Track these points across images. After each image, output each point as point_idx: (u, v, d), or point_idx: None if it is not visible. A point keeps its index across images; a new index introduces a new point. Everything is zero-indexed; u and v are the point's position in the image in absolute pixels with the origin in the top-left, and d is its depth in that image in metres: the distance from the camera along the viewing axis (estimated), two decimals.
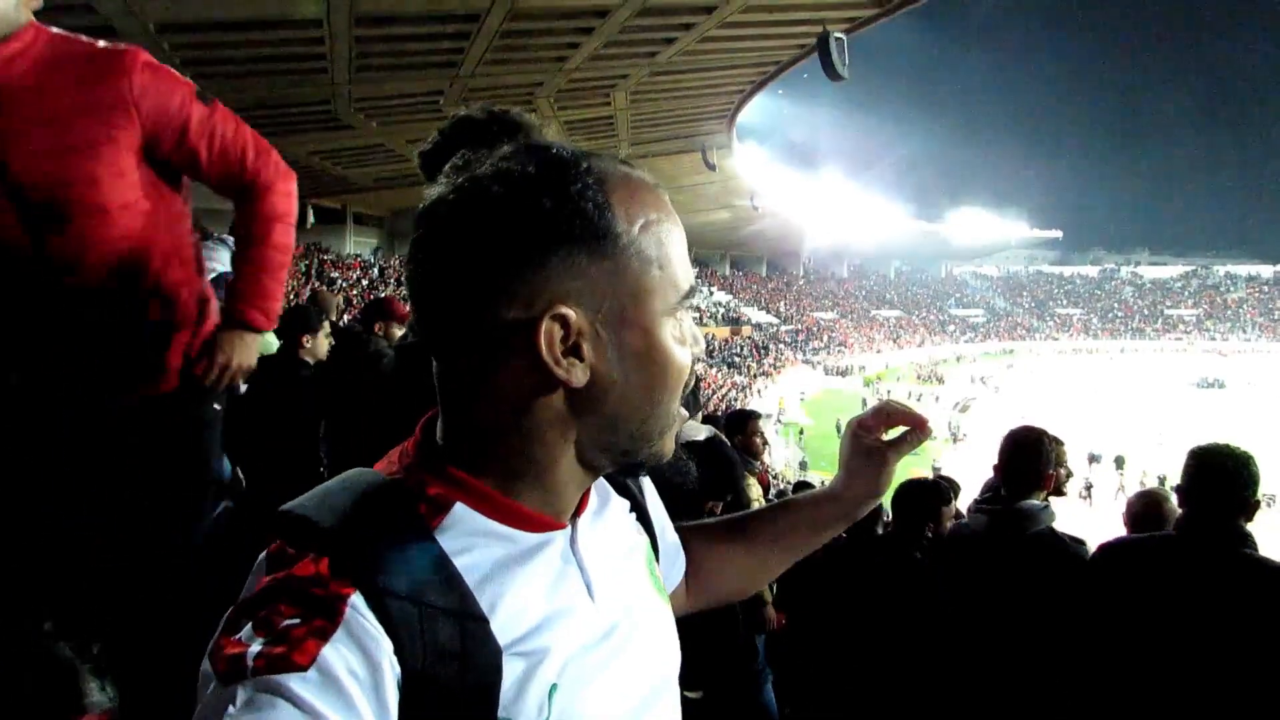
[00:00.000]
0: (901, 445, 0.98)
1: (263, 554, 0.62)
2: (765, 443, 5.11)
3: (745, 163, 34.94)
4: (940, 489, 3.46)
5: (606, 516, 0.80)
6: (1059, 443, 2.67)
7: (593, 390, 0.65)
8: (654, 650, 0.77)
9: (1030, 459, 2.59)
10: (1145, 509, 2.99)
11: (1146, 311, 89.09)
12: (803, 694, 3.71)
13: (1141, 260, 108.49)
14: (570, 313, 0.62)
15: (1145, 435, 35.84)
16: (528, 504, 0.68)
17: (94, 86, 1.57)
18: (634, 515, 0.87)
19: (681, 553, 1.00)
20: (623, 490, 0.87)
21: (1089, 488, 28.03)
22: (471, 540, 0.65)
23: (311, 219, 32.96)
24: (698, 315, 50.56)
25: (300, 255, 30.21)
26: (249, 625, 0.55)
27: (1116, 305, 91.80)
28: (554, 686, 0.63)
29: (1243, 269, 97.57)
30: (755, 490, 4.55)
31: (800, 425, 37.82)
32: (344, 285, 28.79)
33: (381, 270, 34.04)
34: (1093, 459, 31.68)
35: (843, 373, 53.50)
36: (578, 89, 19.83)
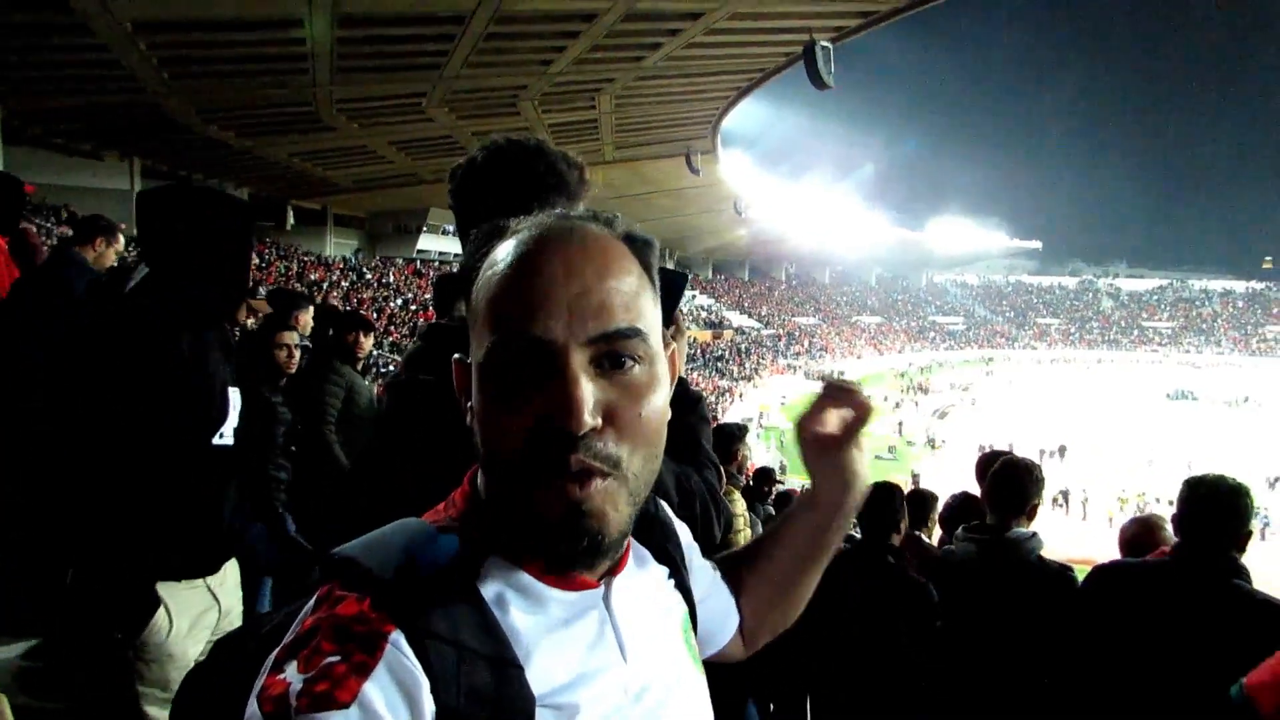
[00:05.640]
0: (848, 433, 0.90)
1: (311, 598, 0.63)
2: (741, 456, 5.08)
3: (729, 168, 35.10)
4: (895, 492, 3.27)
5: (643, 579, 0.79)
6: (1037, 467, 2.72)
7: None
8: (686, 717, 0.76)
9: (1018, 489, 2.62)
10: (1138, 534, 3.01)
11: (1123, 323, 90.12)
12: (781, 707, 3.69)
13: (1119, 272, 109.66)
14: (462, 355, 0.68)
15: (1134, 455, 36.20)
16: None
17: None
18: (673, 583, 0.84)
19: (734, 611, 0.98)
20: (662, 557, 0.85)
21: (1064, 493, 28.44)
22: (509, 592, 0.65)
23: (291, 220, 32.90)
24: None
25: (281, 257, 29.93)
26: (293, 664, 0.56)
27: (1094, 316, 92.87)
28: None
29: (1217, 284, 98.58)
30: (740, 505, 4.56)
31: (781, 430, 37.89)
32: (324, 287, 28.51)
33: (361, 273, 33.73)
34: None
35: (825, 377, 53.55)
36: (563, 92, 19.82)
